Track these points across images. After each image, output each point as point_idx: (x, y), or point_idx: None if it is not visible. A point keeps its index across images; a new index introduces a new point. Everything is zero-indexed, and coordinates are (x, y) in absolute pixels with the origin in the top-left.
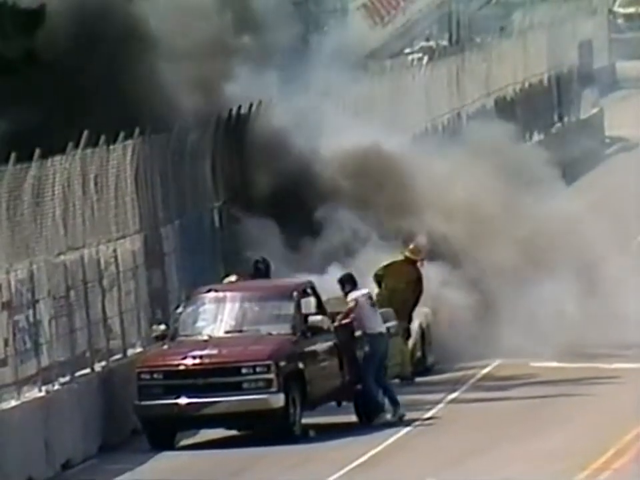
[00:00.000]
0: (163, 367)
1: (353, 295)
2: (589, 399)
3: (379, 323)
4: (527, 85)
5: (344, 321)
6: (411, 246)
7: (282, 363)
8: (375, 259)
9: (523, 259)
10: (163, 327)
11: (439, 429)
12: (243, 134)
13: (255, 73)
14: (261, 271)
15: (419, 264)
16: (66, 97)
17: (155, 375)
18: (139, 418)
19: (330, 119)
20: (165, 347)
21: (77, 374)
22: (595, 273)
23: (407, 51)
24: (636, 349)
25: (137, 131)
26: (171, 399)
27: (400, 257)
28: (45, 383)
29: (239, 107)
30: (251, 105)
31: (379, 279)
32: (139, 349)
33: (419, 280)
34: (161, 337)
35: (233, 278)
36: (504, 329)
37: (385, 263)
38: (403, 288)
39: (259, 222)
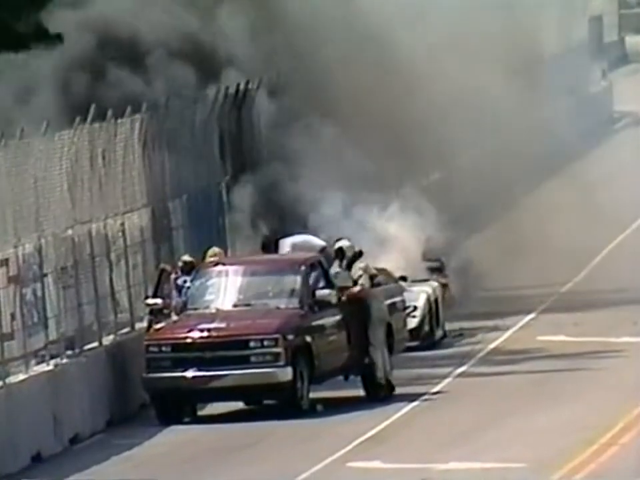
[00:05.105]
0: (171, 340)
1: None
2: (597, 374)
3: None
4: None
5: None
6: None
7: (290, 337)
8: None
9: None
10: (159, 300)
11: (447, 404)
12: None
13: None
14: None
15: None
16: None
17: (163, 348)
18: (147, 391)
19: None
20: (174, 318)
21: (85, 347)
22: None
23: None
24: None
25: (144, 104)
26: (179, 371)
27: None
28: (52, 357)
29: (247, 82)
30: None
31: None
32: (146, 323)
33: None
34: (157, 312)
35: (217, 250)
36: None
37: None
38: None
39: None
